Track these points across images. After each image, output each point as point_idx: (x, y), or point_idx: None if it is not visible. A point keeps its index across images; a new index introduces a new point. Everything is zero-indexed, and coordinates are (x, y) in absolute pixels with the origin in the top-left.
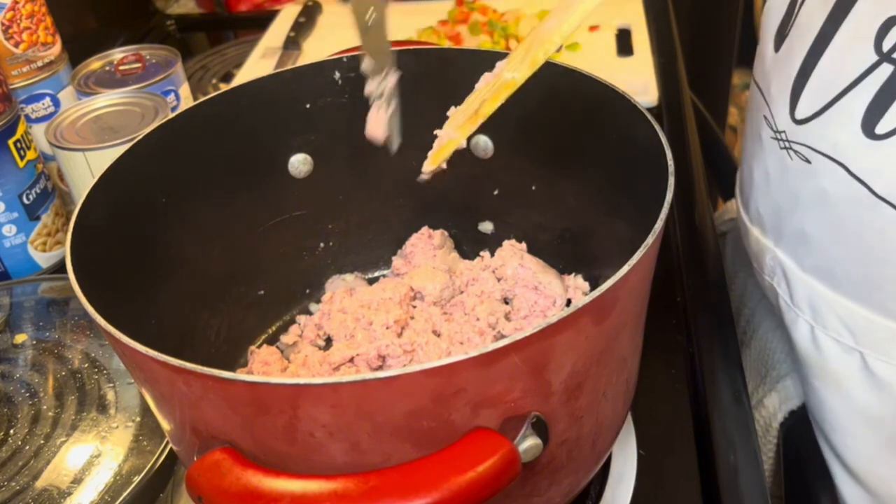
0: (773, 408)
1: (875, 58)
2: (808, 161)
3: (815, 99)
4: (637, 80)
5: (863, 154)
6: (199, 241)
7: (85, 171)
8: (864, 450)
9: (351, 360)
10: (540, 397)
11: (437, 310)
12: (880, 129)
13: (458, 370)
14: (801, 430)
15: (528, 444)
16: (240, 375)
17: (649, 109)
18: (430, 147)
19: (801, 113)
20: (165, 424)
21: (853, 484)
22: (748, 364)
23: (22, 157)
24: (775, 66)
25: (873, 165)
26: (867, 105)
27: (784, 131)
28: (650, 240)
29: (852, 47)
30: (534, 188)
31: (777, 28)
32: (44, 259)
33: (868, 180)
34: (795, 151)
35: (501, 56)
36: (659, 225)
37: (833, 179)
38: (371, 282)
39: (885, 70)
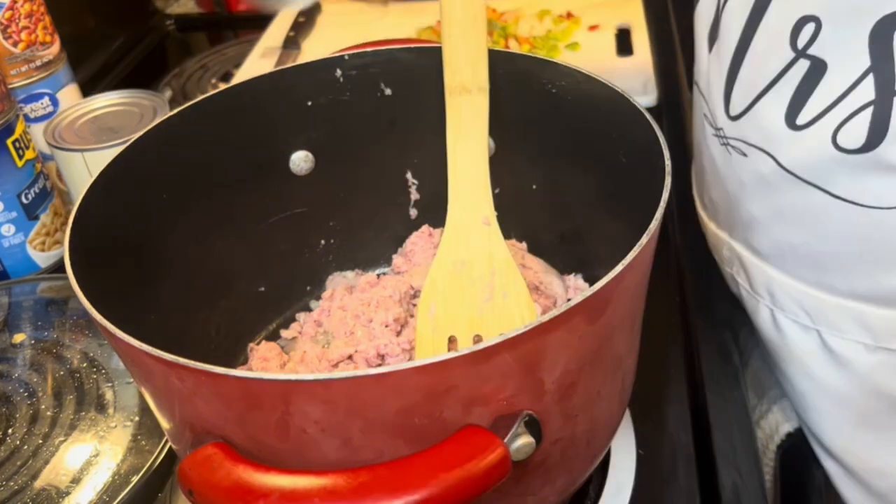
0: (770, 430)
1: (792, 55)
2: (744, 154)
3: (745, 95)
4: (637, 80)
5: (788, 145)
6: (200, 239)
7: (83, 171)
8: (836, 428)
9: (350, 357)
10: (532, 396)
11: None
12: (801, 119)
13: (449, 368)
14: (798, 452)
15: (520, 442)
16: (231, 371)
17: (649, 109)
18: (430, 145)
19: (733, 109)
20: (164, 423)
21: (832, 462)
22: (746, 383)
23: (20, 157)
24: (710, 67)
25: (798, 154)
26: (789, 99)
27: (722, 128)
28: (644, 239)
29: (771, 45)
30: (534, 188)
31: (708, 31)
32: (42, 259)
33: (795, 170)
34: (733, 147)
35: (501, 54)
36: (654, 224)
37: (768, 169)
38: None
39: (803, 65)
